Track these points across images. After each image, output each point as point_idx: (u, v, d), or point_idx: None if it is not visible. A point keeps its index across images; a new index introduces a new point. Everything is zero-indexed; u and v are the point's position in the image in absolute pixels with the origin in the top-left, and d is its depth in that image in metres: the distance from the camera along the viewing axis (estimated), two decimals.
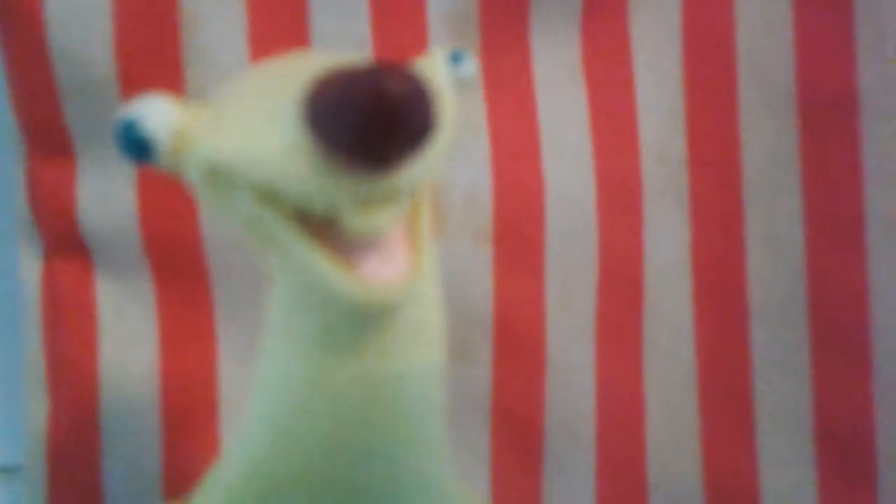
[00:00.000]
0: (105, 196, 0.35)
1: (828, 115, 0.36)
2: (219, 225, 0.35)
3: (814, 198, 0.37)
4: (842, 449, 0.37)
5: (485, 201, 0.35)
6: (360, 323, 0.21)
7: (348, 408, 0.21)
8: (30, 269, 0.36)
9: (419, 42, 0.35)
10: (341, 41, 0.34)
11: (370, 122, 0.17)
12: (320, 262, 0.20)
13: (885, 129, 0.36)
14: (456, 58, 0.23)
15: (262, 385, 0.23)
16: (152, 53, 0.33)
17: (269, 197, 0.19)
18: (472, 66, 0.23)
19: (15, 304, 0.37)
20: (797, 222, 0.37)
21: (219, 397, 0.36)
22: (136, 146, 0.20)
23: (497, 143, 0.35)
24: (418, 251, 0.21)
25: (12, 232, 0.36)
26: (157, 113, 0.20)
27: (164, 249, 0.35)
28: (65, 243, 0.35)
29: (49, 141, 0.35)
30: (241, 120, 0.19)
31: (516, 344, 0.36)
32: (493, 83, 0.36)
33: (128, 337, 0.35)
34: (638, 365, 0.37)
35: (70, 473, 0.36)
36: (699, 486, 0.37)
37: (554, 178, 0.36)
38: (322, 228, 0.20)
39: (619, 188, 0.37)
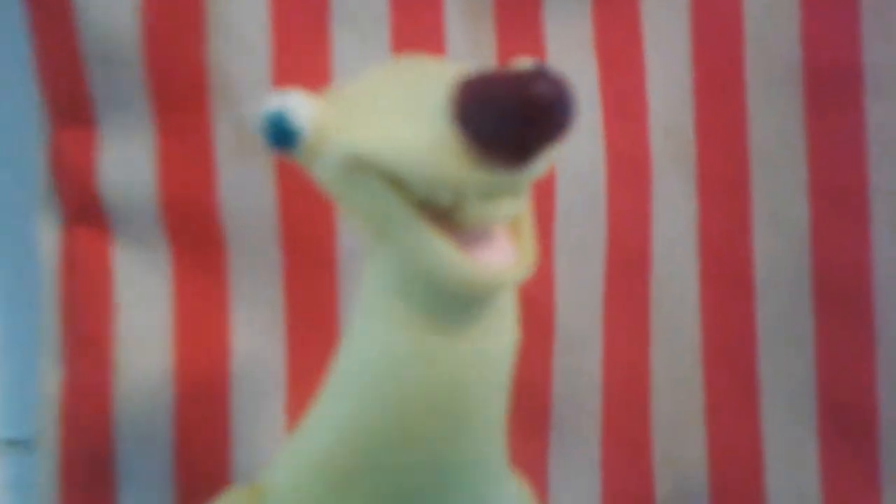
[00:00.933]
0: (125, 165, 0.35)
1: (833, 90, 0.37)
2: (235, 198, 0.35)
3: (819, 172, 0.37)
4: (845, 420, 0.38)
5: None
6: (468, 305, 0.22)
7: (444, 384, 0.23)
8: (49, 237, 0.36)
9: (436, 20, 0.35)
10: (359, 18, 0.34)
11: (523, 122, 0.19)
12: (443, 248, 0.21)
13: (890, 104, 0.37)
14: None
15: (352, 363, 0.24)
16: (176, 24, 0.34)
17: (401, 186, 0.21)
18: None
19: (33, 274, 0.37)
20: (803, 196, 0.37)
21: (232, 367, 0.36)
22: (284, 137, 0.21)
23: None
24: (525, 240, 0.22)
25: (32, 200, 0.37)
26: (303, 107, 0.21)
27: (181, 219, 0.35)
28: (84, 212, 0.36)
29: (72, 109, 0.35)
30: (382, 115, 0.21)
31: (524, 313, 0.36)
32: (506, 58, 0.36)
33: (143, 306, 0.36)
34: (644, 336, 0.38)
35: (83, 444, 0.36)
36: (703, 456, 0.38)
37: (564, 153, 0.36)
38: (441, 218, 0.21)
39: (627, 162, 0.37)
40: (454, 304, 0.22)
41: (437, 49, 0.35)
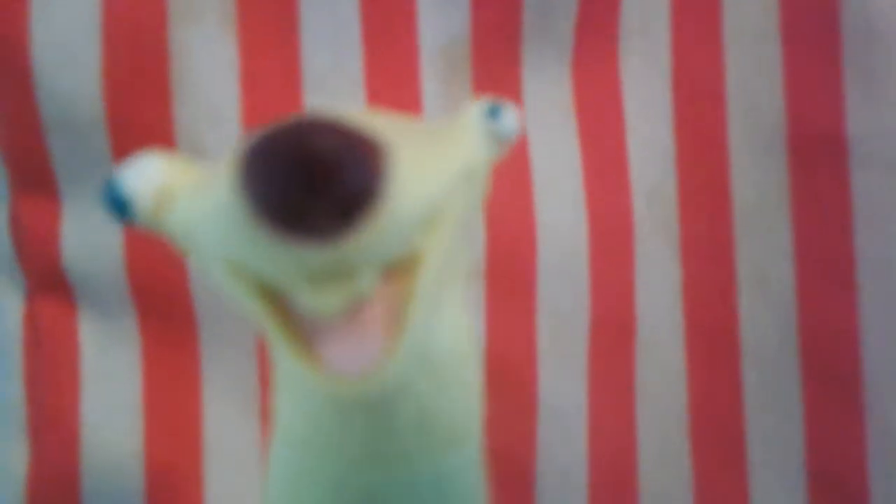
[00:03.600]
0: (90, 235, 0.34)
1: (817, 156, 0.37)
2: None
3: (804, 238, 0.37)
4: (834, 491, 0.37)
5: (477, 240, 0.35)
6: (342, 415, 0.19)
7: (374, 450, 0.20)
8: (11, 308, 0.35)
9: (412, 80, 0.35)
10: (334, 76, 0.34)
11: (289, 182, 0.15)
12: (282, 340, 0.18)
13: (874, 171, 0.36)
14: (493, 112, 0.20)
15: (274, 432, 0.21)
16: (140, 91, 0.33)
17: (231, 264, 0.18)
18: (511, 120, 0.20)
19: None
20: (788, 262, 0.37)
21: (203, 441, 0.35)
22: (114, 205, 0.19)
23: (489, 182, 0.35)
24: (404, 326, 0.18)
25: None
26: (140, 172, 0.19)
27: (149, 290, 0.35)
28: (48, 282, 0.35)
29: (33, 179, 0.34)
30: (204, 182, 0.18)
31: (508, 384, 0.36)
32: None
33: (111, 381, 0.35)
34: (630, 406, 0.37)
35: None
36: None
37: (545, 218, 0.36)
38: (291, 302, 0.18)
39: (610, 227, 0.37)
40: (328, 414, 0.19)
41: (413, 110, 0.35)
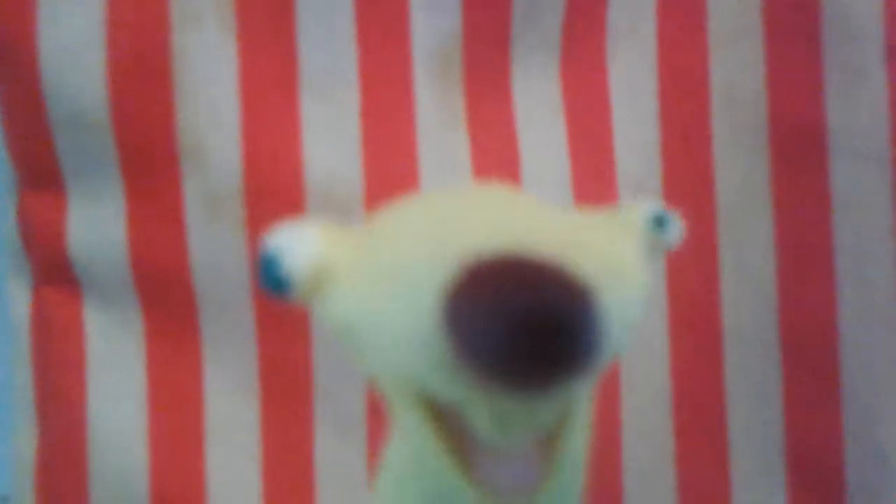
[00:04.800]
0: (94, 228, 0.35)
1: (798, 148, 0.37)
2: (206, 260, 0.35)
3: (785, 228, 0.38)
4: (812, 470, 0.38)
5: None
6: None
7: None
8: (19, 298, 0.36)
9: (405, 80, 0.35)
10: (329, 77, 0.35)
11: (513, 338, 0.14)
12: (440, 454, 0.17)
13: (853, 162, 0.37)
14: (660, 221, 0.19)
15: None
16: (144, 92, 0.34)
17: (400, 376, 0.17)
18: (677, 230, 0.19)
19: (5, 334, 0.37)
20: (769, 251, 0.38)
21: (205, 426, 0.36)
22: (273, 284, 0.17)
23: (479, 177, 0.36)
24: (555, 463, 0.17)
25: (2, 262, 0.37)
26: (298, 246, 0.17)
27: (152, 279, 0.36)
28: (54, 273, 0.36)
29: (40, 174, 0.35)
30: (381, 275, 0.17)
31: None
32: (476, 121, 0.37)
33: (116, 365, 0.36)
34: (615, 389, 0.38)
35: (58, 502, 0.36)
36: None
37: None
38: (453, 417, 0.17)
39: None
40: None
41: (406, 111, 0.36)
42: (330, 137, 0.35)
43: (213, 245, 0.35)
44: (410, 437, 0.17)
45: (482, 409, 0.16)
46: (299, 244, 0.17)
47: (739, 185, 0.38)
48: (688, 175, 0.38)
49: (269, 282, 0.17)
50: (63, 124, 0.34)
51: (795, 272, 0.38)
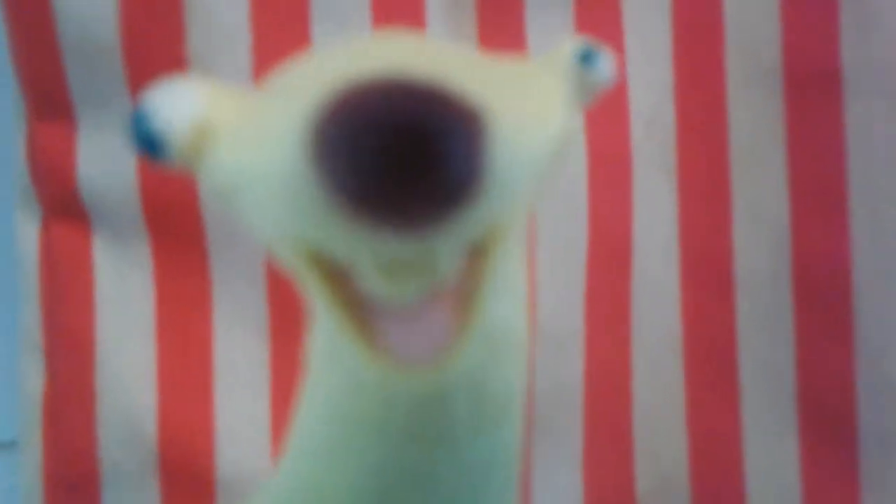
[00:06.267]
0: (105, 161, 0.35)
1: (812, 90, 0.37)
2: None
3: (798, 170, 0.38)
4: (824, 413, 0.38)
5: None
6: (387, 395, 0.17)
7: (417, 420, 0.17)
8: (28, 233, 0.36)
9: (417, 19, 0.35)
10: (340, 9, 0.34)
11: (380, 163, 0.13)
12: (335, 317, 0.16)
13: (867, 104, 0.37)
14: (587, 56, 0.18)
15: (307, 402, 0.19)
16: (154, 16, 0.33)
17: (287, 233, 0.15)
18: (608, 67, 0.17)
19: (13, 270, 0.37)
20: (782, 193, 0.38)
21: (214, 362, 0.36)
22: (144, 141, 0.16)
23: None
24: (471, 315, 0.16)
25: (11, 195, 0.37)
26: (175, 102, 0.16)
27: (162, 215, 0.35)
28: (63, 207, 0.36)
29: (51, 105, 0.35)
30: (256, 127, 0.15)
31: None
32: (488, 52, 0.36)
33: (125, 302, 0.36)
34: (626, 332, 0.38)
35: (67, 444, 0.36)
36: (684, 451, 0.38)
37: None
38: (351, 280, 0.15)
39: (609, 159, 0.37)
40: (378, 399, 0.17)
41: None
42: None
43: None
44: (314, 309, 0.16)
45: (367, 257, 0.14)
46: (178, 102, 0.16)
47: (752, 126, 0.37)
48: (701, 116, 0.38)
49: (140, 139, 0.16)
50: (73, 51, 0.34)
51: (808, 214, 0.38)
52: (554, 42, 0.36)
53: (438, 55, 0.15)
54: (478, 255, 0.15)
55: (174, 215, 0.35)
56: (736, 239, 0.38)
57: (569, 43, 0.17)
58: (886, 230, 0.37)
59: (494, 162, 0.13)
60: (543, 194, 0.16)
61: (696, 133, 0.38)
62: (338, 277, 0.15)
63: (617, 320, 0.38)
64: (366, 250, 0.14)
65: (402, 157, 0.12)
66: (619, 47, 0.37)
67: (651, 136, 0.38)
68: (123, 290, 0.36)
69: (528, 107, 0.15)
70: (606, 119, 0.37)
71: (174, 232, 0.35)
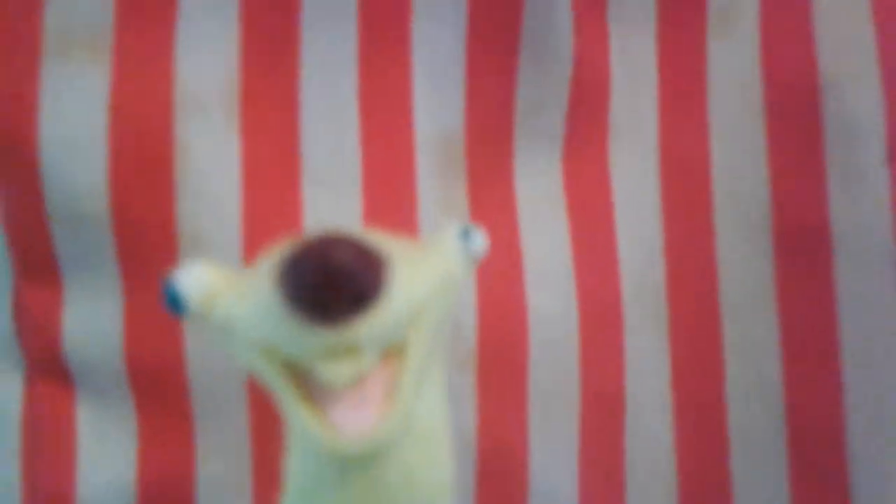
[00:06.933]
0: (90, 322, 0.35)
1: (801, 246, 0.37)
2: (201, 355, 0.35)
3: (790, 325, 0.38)
4: None
5: (469, 330, 0.36)
6: (343, 472, 0.23)
7: None
8: (11, 390, 0.36)
9: (408, 171, 0.35)
10: (331, 169, 0.35)
11: (317, 284, 0.21)
12: (298, 408, 0.22)
13: (857, 263, 0.37)
14: (465, 234, 0.25)
15: (284, 495, 0.25)
16: (145, 184, 0.33)
17: (264, 348, 0.23)
18: (480, 241, 0.25)
19: None
20: (774, 348, 0.38)
21: None
22: (171, 301, 0.23)
23: (481, 271, 0.36)
24: (396, 400, 0.22)
25: None
26: (193, 276, 0.24)
27: (146, 377, 0.35)
28: (48, 366, 0.35)
29: (38, 267, 0.35)
30: (245, 285, 0.23)
31: (500, 470, 0.36)
32: (478, 211, 0.36)
33: (108, 463, 0.35)
34: (620, 488, 0.37)
35: None
36: None
37: (536, 305, 0.36)
38: (308, 378, 0.23)
39: (600, 315, 0.37)
40: (333, 470, 0.23)
41: (409, 203, 0.35)
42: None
43: (209, 343, 0.34)
44: (283, 406, 0.23)
45: (314, 351, 0.22)
46: (194, 277, 0.23)
47: (743, 283, 0.38)
48: (692, 272, 0.38)
49: (170, 302, 0.23)
50: (61, 216, 0.34)
51: (801, 373, 0.38)
52: (541, 204, 0.37)
53: (369, 233, 0.23)
54: (395, 362, 0.23)
55: (159, 377, 0.35)
56: (729, 393, 0.38)
57: (452, 224, 0.25)
58: (879, 385, 0.37)
59: (390, 289, 0.22)
60: (441, 327, 0.24)
61: (687, 289, 0.38)
62: (296, 373, 0.22)
63: (611, 475, 0.37)
64: (313, 344, 0.22)
65: (332, 281, 0.21)
66: (607, 203, 0.38)
67: (642, 293, 0.38)
68: (106, 449, 0.35)
69: (417, 264, 0.23)
70: (597, 278, 0.37)
71: (159, 395, 0.35)
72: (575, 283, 0.37)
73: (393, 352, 0.23)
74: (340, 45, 0.35)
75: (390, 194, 0.35)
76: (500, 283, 0.36)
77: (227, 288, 0.24)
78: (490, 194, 0.37)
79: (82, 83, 0.33)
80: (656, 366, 0.38)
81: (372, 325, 0.22)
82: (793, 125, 0.37)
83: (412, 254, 0.24)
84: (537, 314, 0.36)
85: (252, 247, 0.34)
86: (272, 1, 0.34)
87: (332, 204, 0.34)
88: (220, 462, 0.35)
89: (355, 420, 0.22)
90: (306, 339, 0.22)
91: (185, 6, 0.34)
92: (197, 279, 0.24)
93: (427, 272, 0.24)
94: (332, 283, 0.21)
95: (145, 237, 0.34)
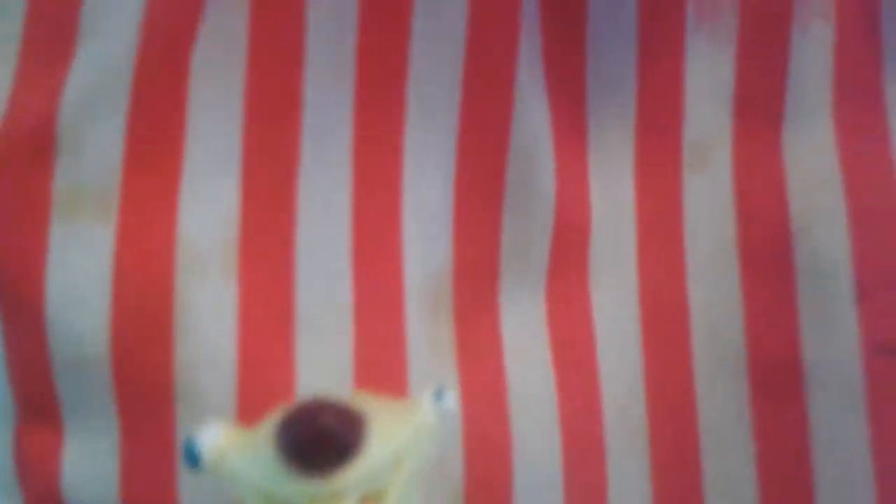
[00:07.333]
0: (88, 463, 0.36)
1: (776, 380, 0.39)
2: (195, 496, 0.36)
3: (766, 458, 0.39)
4: None
5: (455, 464, 0.37)
6: None
7: None
8: None
9: (397, 313, 0.36)
10: (323, 324, 0.36)
11: (308, 443, 0.25)
12: None
13: (829, 398, 0.38)
14: (439, 394, 0.29)
15: None
16: (144, 335, 0.35)
17: (263, 494, 0.27)
18: (451, 401, 0.29)
19: None
20: (750, 479, 0.39)
21: None
22: (190, 457, 0.27)
23: (467, 406, 0.37)
24: None
25: None
26: (209, 436, 0.27)
27: None
28: None
29: (39, 408, 0.36)
30: (248, 443, 0.27)
31: None
32: (465, 348, 0.38)
33: None
34: None
35: None
36: None
37: (521, 437, 0.37)
38: None
39: (583, 444, 0.38)
40: None
41: (399, 345, 0.37)
42: (323, 374, 0.35)
43: (203, 486, 0.35)
44: None
45: (305, 497, 0.26)
46: (210, 434, 0.27)
47: (722, 417, 0.39)
48: (672, 406, 0.39)
49: (188, 456, 0.27)
50: (64, 363, 0.35)
51: (776, 495, 0.39)
52: (526, 341, 0.38)
53: (354, 394, 0.28)
54: (376, 500, 0.26)
55: None
56: None
57: (429, 389, 0.29)
58: None
59: (368, 445, 0.26)
60: (419, 473, 0.27)
61: (667, 421, 0.39)
62: None
63: None
64: (305, 492, 0.26)
65: (319, 441, 0.25)
66: (589, 339, 0.39)
67: (624, 425, 0.39)
68: None
69: (395, 420, 0.27)
70: (580, 407, 0.38)
71: None
72: (559, 415, 0.38)
73: (373, 496, 0.27)
74: (334, 196, 0.36)
75: (380, 337, 0.36)
76: (486, 418, 0.37)
77: (233, 445, 0.28)
78: (476, 332, 0.38)
79: (89, 239, 0.34)
80: (638, 494, 0.39)
81: (353, 475, 0.26)
82: (765, 265, 0.39)
83: (392, 411, 0.28)
84: (522, 446, 0.37)
85: (246, 393, 0.35)
86: (273, 153, 0.36)
87: (323, 351, 0.36)
88: None
89: None
90: (299, 488, 0.26)
91: (191, 158, 0.35)
92: (211, 439, 0.27)
93: (403, 427, 0.28)
94: (319, 443, 0.25)
95: (143, 383, 0.35)
